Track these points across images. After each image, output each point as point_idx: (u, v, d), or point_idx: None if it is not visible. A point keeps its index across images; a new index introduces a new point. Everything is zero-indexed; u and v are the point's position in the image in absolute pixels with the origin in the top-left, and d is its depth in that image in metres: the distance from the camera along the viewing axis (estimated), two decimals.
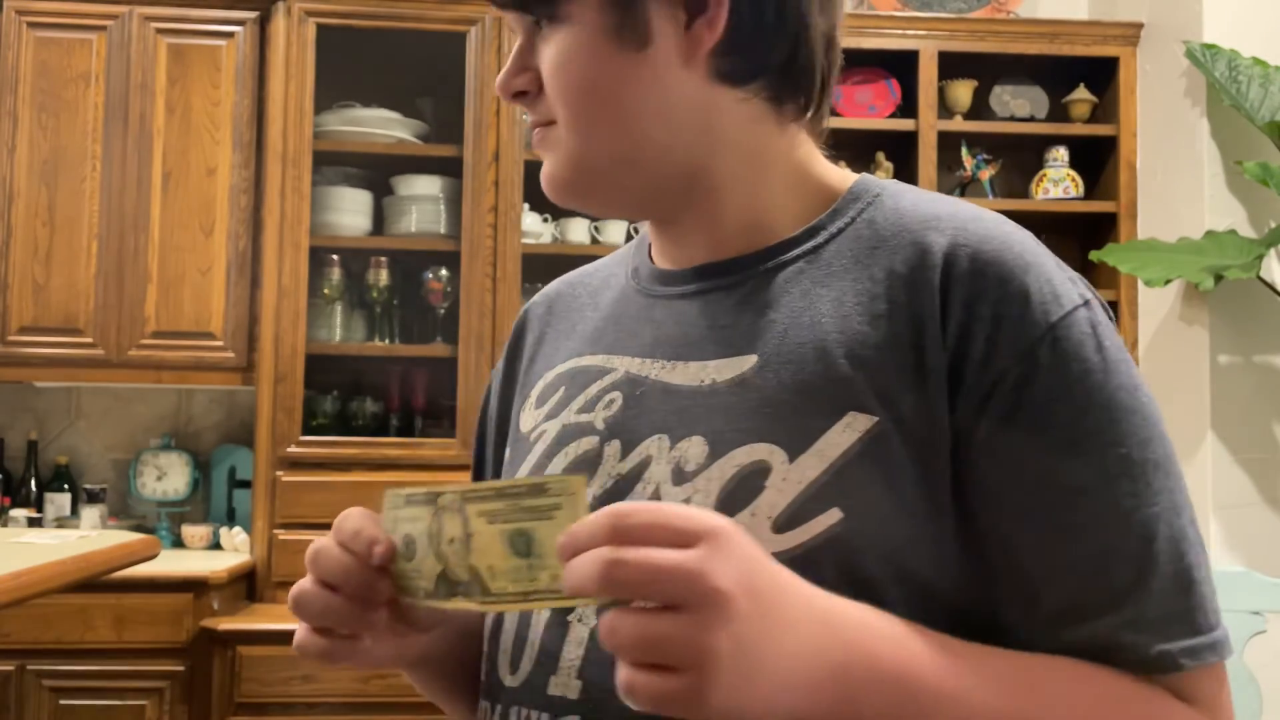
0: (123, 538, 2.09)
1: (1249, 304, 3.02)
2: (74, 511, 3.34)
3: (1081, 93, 3.49)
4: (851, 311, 0.78)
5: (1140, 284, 3.28)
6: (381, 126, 3.31)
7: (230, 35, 3.29)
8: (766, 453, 0.75)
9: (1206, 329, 3.06)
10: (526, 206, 3.26)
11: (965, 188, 3.49)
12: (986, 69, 3.50)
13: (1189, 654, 0.70)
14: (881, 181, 0.87)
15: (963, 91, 3.48)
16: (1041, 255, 0.78)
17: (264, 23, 3.29)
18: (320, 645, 0.77)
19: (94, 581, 2.05)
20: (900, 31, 3.38)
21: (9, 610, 1.98)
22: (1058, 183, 3.46)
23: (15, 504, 3.33)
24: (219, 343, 3.23)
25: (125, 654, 2.88)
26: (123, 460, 3.50)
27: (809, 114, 0.85)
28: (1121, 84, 3.41)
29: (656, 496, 0.77)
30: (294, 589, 0.77)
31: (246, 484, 3.38)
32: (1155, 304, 3.28)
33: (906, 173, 3.42)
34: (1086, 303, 0.76)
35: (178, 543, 3.34)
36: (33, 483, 3.38)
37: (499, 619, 0.85)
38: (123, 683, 2.88)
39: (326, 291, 3.26)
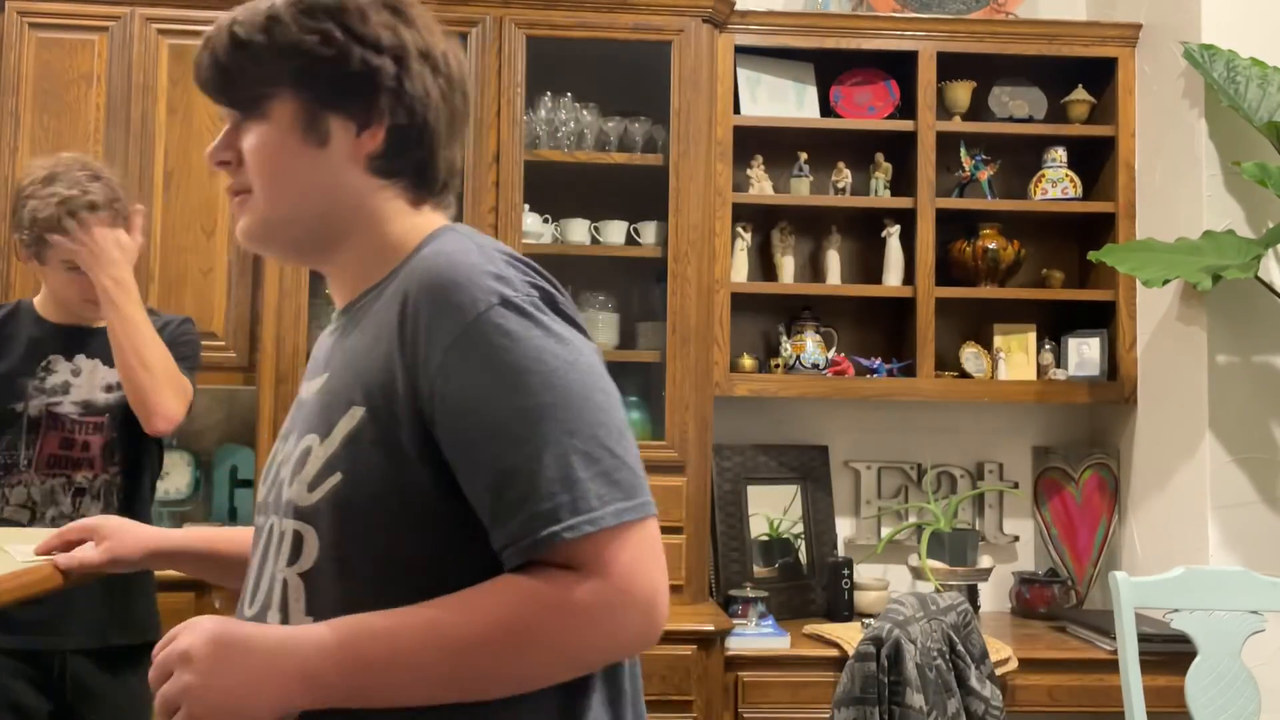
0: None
1: (1247, 304, 3.03)
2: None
3: (1080, 93, 3.50)
4: (371, 335, 1.09)
5: (1138, 284, 3.29)
6: None
7: None
8: (311, 440, 1.09)
9: (1205, 329, 3.07)
10: (527, 207, 3.26)
11: (964, 188, 3.49)
12: (985, 70, 3.51)
13: (549, 532, 0.97)
14: (442, 235, 1.15)
15: (961, 92, 3.49)
16: (455, 278, 1.05)
17: None
18: None
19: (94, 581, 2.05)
20: (899, 32, 3.39)
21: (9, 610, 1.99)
22: (1056, 183, 3.46)
23: None
24: (221, 342, 3.24)
25: None
26: None
27: (436, 198, 1.19)
28: (1120, 85, 3.41)
29: (276, 477, 1.14)
30: None
31: (248, 483, 3.39)
32: (1153, 304, 3.29)
33: (905, 173, 3.43)
34: (481, 312, 1.02)
35: None
36: None
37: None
38: None
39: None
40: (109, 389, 2.26)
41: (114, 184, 2.25)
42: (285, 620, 1.07)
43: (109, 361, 2.23)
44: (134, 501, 2.30)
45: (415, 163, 1.16)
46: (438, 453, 1.02)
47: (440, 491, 1.02)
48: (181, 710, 0.97)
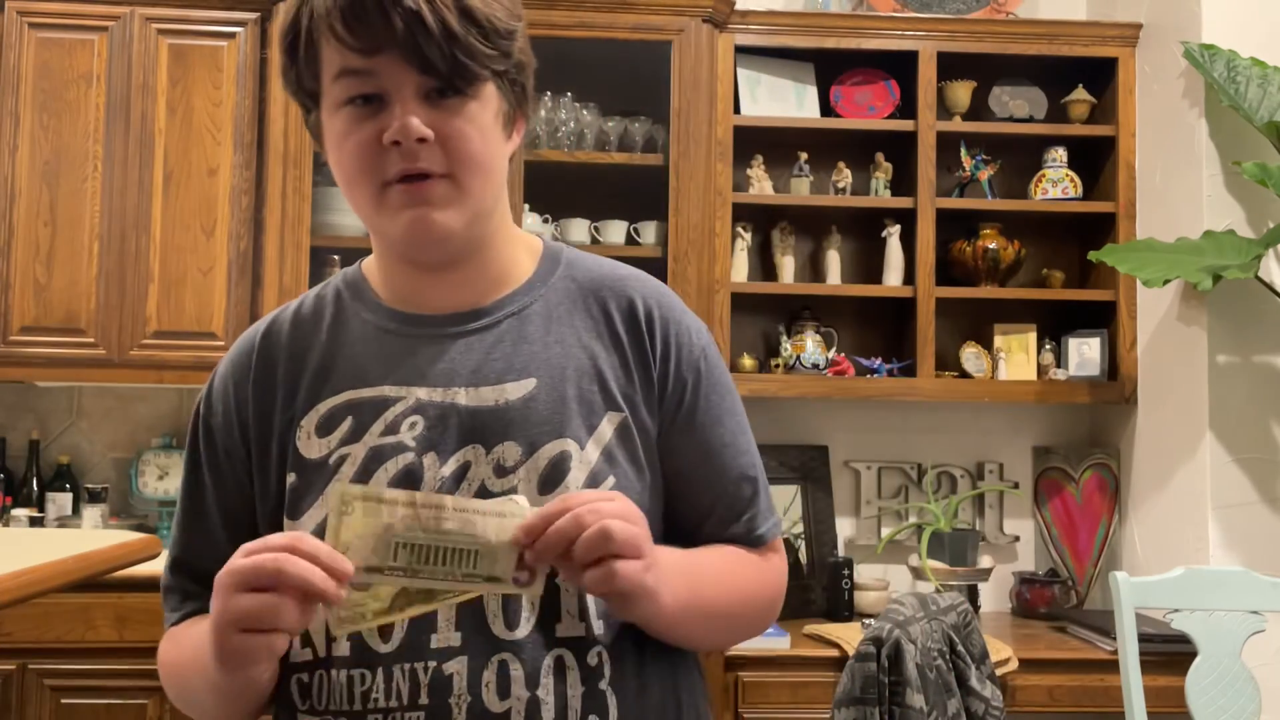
0: (123, 537, 2.09)
1: (1247, 304, 3.03)
2: (75, 511, 3.35)
3: (1080, 93, 3.49)
4: (590, 341, 1.13)
5: (1139, 284, 3.29)
6: None
7: (231, 36, 3.30)
8: (565, 445, 1.08)
9: (1205, 329, 3.07)
10: (527, 207, 3.26)
11: (964, 188, 3.49)
12: (985, 70, 3.50)
13: (777, 526, 1.21)
14: (555, 244, 1.22)
15: (962, 92, 3.48)
16: (680, 301, 1.21)
17: (265, 23, 3.29)
18: (263, 642, 0.94)
19: (95, 581, 2.05)
20: (899, 32, 3.38)
21: (10, 610, 1.99)
22: (1056, 183, 3.46)
23: (17, 503, 3.34)
24: (220, 343, 3.24)
25: (126, 653, 2.89)
26: (124, 460, 3.51)
27: None
28: (1120, 84, 3.41)
29: (482, 488, 1.07)
30: (250, 603, 0.92)
31: None
32: (1154, 304, 3.28)
33: (905, 173, 3.43)
34: (708, 331, 1.21)
35: None
36: (34, 482, 3.39)
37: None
38: (124, 682, 2.89)
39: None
40: None
41: None
42: (587, 627, 1.08)
43: None
44: None
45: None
46: (654, 457, 1.14)
47: (654, 492, 1.14)
48: (639, 560, 0.98)
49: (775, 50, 3.42)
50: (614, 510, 0.97)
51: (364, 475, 1.08)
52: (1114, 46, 3.42)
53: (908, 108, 3.43)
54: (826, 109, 3.48)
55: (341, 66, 1.05)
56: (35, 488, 3.38)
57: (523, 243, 1.20)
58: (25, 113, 3.25)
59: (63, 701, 2.89)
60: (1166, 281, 2.93)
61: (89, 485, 3.34)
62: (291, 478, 1.11)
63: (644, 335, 1.14)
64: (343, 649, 1.05)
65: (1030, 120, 3.55)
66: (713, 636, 1.18)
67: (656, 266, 3.22)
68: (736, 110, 3.35)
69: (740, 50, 3.36)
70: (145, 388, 3.49)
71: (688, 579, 1.08)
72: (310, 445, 1.11)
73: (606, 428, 1.10)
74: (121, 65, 3.27)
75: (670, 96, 3.18)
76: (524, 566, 0.96)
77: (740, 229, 3.39)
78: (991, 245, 3.43)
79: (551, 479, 1.07)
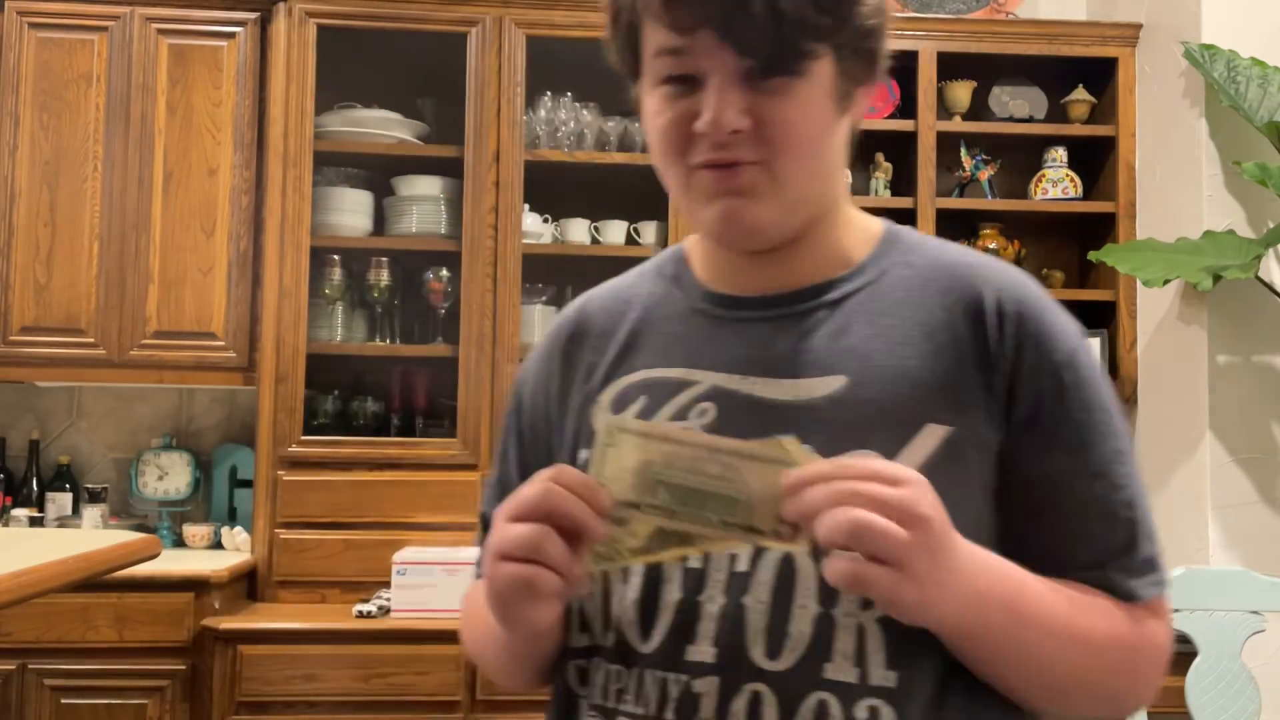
0: (123, 537, 2.09)
1: (1248, 304, 3.03)
2: (75, 511, 3.35)
3: (1080, 93, 3.49)
4: (919, 339, 0.96)
5: (1139, 284, 3.29)
6: (382, 127, 3.32)
7: (231, 36, 3.30)
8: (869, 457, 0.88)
9: (1205, 329, 3.06)
10: (527, 207, 3.26)
11: (964, 188, 3.49)
12: (985, 70, 3.50)
13: (1156, 586, 0.96)
14: (898, 226, 1.07)
15: (962, 92, 3.48)
16: (1046, 296, 1.00)
17: (265, 23, 3.29)
18: (547, 577, 0.85)
19: (95, 581, 2.05)
20: (899, 32, 3.38)
21: (10, 610, 1.99)
22: (1056, 183, 3.46)
23: (17, 503, 3.34)
24: (220, 343, 3.24)
25: (126, 653, 2.89)
26: (124, 460, 3.51)
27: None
28: (1120, 84, 3.41)
29: None
30: (531, 535, 0.85)
31: (248, 483, 3.38)
32: (1154, 304, 3.28)
33: (905, 173, 3.43)
34: (1082, 333, 0.99)
35: (179, 542, 3.34)
36: (34, 482, 3.39)
37: (630, 592, 0.96)
38: (124, 682, 2.89)
39: (327, 291, 3.27)
40: None
41: None
42: (863, 674, 0.90)
43: None
44: None
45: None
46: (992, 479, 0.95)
47: (986, 527, 0.94)
48: (893, 570, 0.79)
49: None
50: (893, 498, 0.79)
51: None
52: (1114, 46, 3.42)
53: (908, 107, 3.43)
54: None
55: (658, 44, 0.96)
56: (35, 488, 3.38)
57: (860, 225, 1.06)
58: (25, 113, 3.24)
59: (63, 701, 2.89)
60: (1166, 281, 2.93)
61: (89, 485, 3.34)
62: (583, 454, 1.03)
63: (990, 333, 0.95)
64: (610, 641, 0.96)
65: (1030, 120, 3.55)
66: (1041, 680, 0.92)
67: None
68: None
69: None
70: (145, 388, 3.49)
71: (1001, 585, 0.88)
72: (602, 419, 1.01)
73: (925, 442, 0.88)
74: (121, 65, 3.27)
75: None
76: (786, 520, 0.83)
77: None
78: (992, 245, 3.43)
79: None
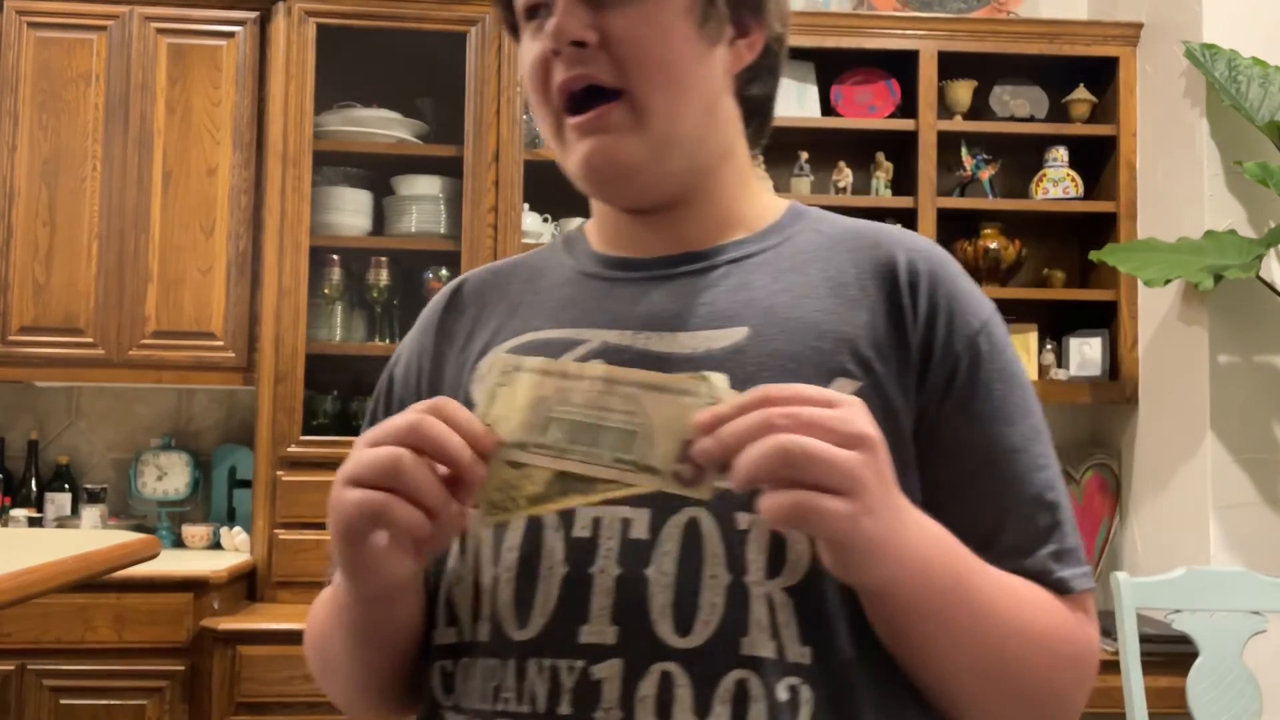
0: (123, 537, 2.09)
1: (1248, 304, 3.02)
2: (74, 511, 3.34)
3: (1081, 93, 3.49)
4: (825, 294, 0.90)
5: (1140, 284, 3.28)
6: (381, 126, 3.31)
7: (231, 35, 3.29)
8: None
9: (1206, 329, 3.06)
10: (526, 207, 3.26)
11: (965, 188, 3.49)
12: (986, 69, 3.50)
13: (1086, 579, 0.89)
14: (805, 205, 1.01)
15: (962, 91, 3.48)
16: (957, 264, 0.96)
17: (264, 23, 3.29)
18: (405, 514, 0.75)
19: (94, 581, 2.05)
20: (900, 32, 3.38)
21: (9, 610, 1.98)
22: (1057, 183, 3.46)
23: (16, 504, 3.34)
24: (219, 342, 3.24)
25: (126, 654, 2.88)
26: (123, 460, 3.50)
27: (757, 151, 1.01)
28: (1121, 84, 3.41)
29: None
30: (389, 455, 0.74)
31: (247, 484, 3.38)
32: (1155, 304, 3.28)
33: (906, 172, 3.43)
34: (995, 309, 0.94)
35: (178, 542, 3.34)
36: (33, 482, 3.39)
37: (503, 570, 0.85)
38: (123, 682, 2.88)
39: (327, 291, 3.27)
40: None
41: None
42: (780, 649, 0.81)
43: None
44: None
45: (760, 103, 0.97)
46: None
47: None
48: (847, 499, 0.69)
49: None
50: (828, 420, 0.69)
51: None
52: (1115, 46, 3.41)
53: (908, 107, 3.43)
54: (827, 108, 3.47)
55: None
56: (34, 488, 3.38)
57: (765, 200, 0.99)
58: (24, 112, 3.24)
59: (62, 702, 2.89)
60: (1168, 281, 2.92)
61: (88, 485, 3.33)
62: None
63: (902, 293, 0.89)
64: (483, 634, 0.85)
65: (1031, 120, 3.55)
66: (981, 668, 0.82)
67: None
68: None
69: None
70: (144, 388, 3.48)
71: (947, 553, 0.79)
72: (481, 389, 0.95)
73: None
74: (120, 65, 3.26)
75: None
76: (690, 459, 0.71)
77: None
78: (992, 245, 3.42)
79: None
